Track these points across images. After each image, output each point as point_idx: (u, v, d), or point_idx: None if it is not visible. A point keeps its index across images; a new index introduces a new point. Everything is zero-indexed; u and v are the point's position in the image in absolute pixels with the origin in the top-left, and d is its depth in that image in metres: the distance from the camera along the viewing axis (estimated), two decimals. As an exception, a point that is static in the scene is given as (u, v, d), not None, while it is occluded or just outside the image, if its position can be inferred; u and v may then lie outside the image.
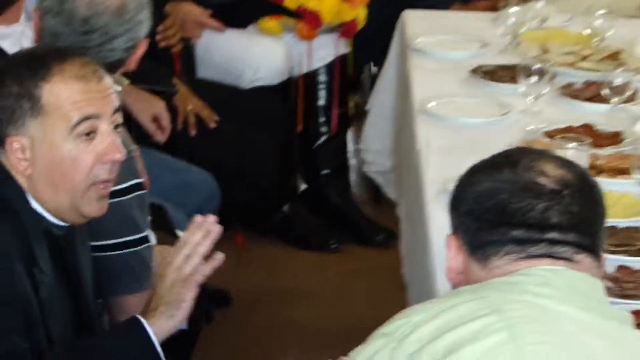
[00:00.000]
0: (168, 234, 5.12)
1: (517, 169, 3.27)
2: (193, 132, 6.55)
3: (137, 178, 4.45)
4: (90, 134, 3.72)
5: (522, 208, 3.28)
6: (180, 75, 6.81)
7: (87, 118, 3.67)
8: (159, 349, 4.01)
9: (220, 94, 6.98)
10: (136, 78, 5.92)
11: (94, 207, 3.91)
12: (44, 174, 3.80)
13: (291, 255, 7.35)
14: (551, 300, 3.28)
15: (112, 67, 4.35)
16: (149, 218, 4.92)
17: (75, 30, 4.33)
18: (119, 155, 3.79)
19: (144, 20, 4.52)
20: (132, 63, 4.54)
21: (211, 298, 6.43)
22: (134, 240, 4.47)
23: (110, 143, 3.78)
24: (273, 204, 7.32)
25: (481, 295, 3.28)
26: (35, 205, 3.87)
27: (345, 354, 6.34)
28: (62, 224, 3.94)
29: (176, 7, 7.01)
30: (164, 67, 6.73)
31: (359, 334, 6.36)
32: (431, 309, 3.27)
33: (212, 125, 6.62)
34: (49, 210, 3.92)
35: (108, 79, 3.84)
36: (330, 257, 7.34)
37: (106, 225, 4.25)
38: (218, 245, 6.48)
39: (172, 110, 6.48)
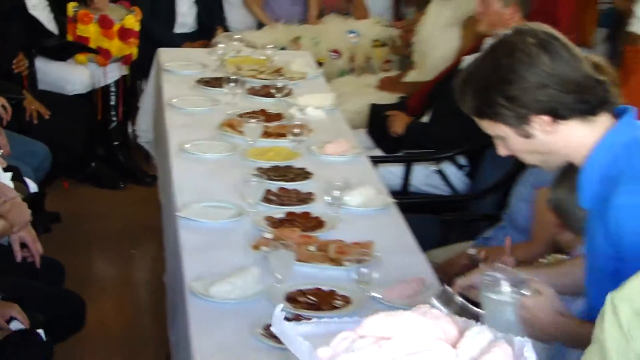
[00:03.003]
0: (20, 182, 5.01)
1: None
2: (35, 121, 6.36)
3: None
4: None
5: None
6: (27, 88, 6.62)
7: None
8: None
9: (52, 99, 6.77)
10: (-1, 90, 5.88)
11: None
12: None
13: (97, 193, 7.21)
14: None
15: None
16: (10, 173, 4.84)
17: None
18: None
19: None
20: None
21: (49, 217, 6.32)
22: None
23: None
24: (85, 162, 7.17)
25: None
26: None
27: (128, 239, 6.46)
28: None
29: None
30: (16, 83, 6.55)
31: (135, 231, 6.46)
32: None
33: (47, 117, 6.42)
34: None
35: None
36: (120, 192, 7.25)
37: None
38: (52, 188, 6.47)
39: (23, 109, 6.32)
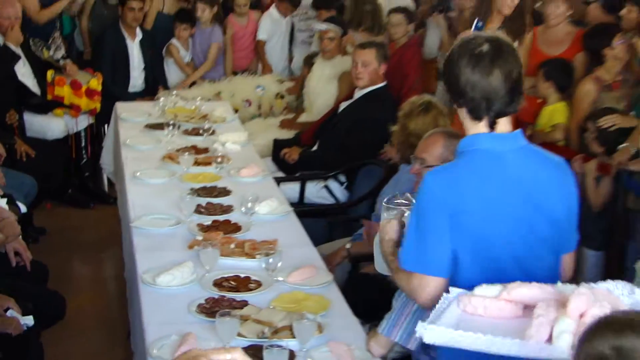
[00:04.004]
0: (14, 205, 4.91)
1: None
2: (24, 159, 6.22)
3: None
4: None
5: None
6: (17, 135, 6.44)
7: None
8: None
9: (37, 142, 6.61)
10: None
11: None
12: None
13: (73, 211, 7.01)
14: None
15: None
16: (6, 199, 4.75)
17: None
18: None
19: None
20: None
21: (36, 231, 6.21)
22: None
23: None
24: (63, 189, 7.02)
25: None
26: None
27: (97, 245, 6.28)
28: None
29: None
30: (9, 132, 6.39)
31: (102, 239, 6.33)
32: None
33: (33, 156, 6.28)
34: None
35: None
36: (90, 210, 7.05)
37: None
38: (39, 209, 6.35)
39: (15, 150, 6.20)
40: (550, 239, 2.79)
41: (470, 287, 2.62)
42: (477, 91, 2.74)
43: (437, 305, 2.50)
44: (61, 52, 7.43)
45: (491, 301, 2.45)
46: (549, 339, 2.22)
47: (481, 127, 2.79)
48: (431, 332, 2.33)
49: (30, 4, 7.19)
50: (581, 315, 2.23)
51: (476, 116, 2.79)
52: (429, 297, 2.71)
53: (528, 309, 2.42)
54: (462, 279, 2.73)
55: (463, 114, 2.81)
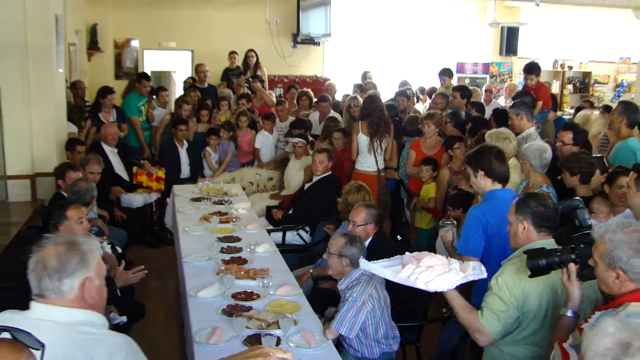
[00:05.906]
0: (113, 249, 4.76)
1: None
2: (120, 220, 6.01)
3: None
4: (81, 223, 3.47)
5: None
6: (116, 205, 6.25)
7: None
8: None
9: (127, 209, 6.43)
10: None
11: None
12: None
13: (149, 250, 6.82)
14: None
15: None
16: (110, 245, 4.61)
17: None
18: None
19: None
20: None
21: (127, 262, 5.82)
22: None
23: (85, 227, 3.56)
24: (143, 237, 6.82)
25: None
26: None
27: (164, 271, 5.93)
28: None
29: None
30: (110, 203, 6.17)
31: (167, 267, 5.89)
32: None
33: (125, 217, 6.13)
34: None
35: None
36: (159, 249, 6.81)
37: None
38: (129, 250, 6.09)
39: (114, 216, 6.00)
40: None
41: (488, 260, 2.97)
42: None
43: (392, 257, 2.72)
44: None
45: (410, 258, 2.61)
46: (409, 276, 2.46)
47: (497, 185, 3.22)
48: (363, 263, 2.67)
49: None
50: (430, 267, 2.44)
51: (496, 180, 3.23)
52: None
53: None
54: (487, 258, 3.03)
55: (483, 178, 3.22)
